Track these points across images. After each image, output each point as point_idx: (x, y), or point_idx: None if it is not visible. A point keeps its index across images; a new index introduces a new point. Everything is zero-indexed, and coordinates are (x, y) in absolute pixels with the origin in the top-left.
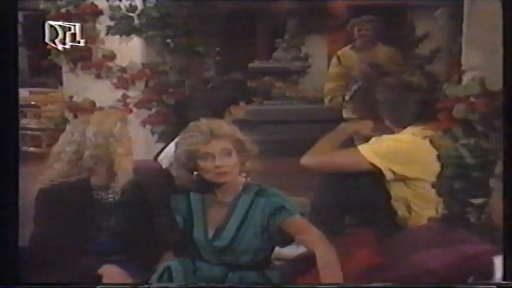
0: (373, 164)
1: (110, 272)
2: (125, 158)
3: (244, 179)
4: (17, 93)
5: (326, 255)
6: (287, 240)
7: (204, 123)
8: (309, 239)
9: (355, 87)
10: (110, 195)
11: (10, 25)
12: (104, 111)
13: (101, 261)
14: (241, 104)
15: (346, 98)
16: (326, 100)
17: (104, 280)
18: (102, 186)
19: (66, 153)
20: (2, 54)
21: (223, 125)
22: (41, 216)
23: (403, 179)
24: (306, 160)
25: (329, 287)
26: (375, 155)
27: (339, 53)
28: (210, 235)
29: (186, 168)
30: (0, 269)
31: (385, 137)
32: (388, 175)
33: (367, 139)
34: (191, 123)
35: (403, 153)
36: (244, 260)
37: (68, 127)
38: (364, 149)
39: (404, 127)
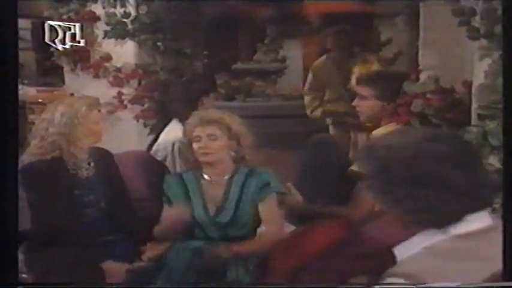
0: None
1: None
2: (84, 138)
3: (233, 163)
4: (17, 89)
5: (271, 236)
6: None
7: (201, 112)
8: (270, 220)
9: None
10: (84, 171)
11: (11, 28)
12: (78, 97)
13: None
14: (212, 95)
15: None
16: (308, 111)
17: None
18: (75, 163)
19: (38, 130)
20: (5, 55)
21: (220, 114)
22: (29, 195)
23: None
24: None
25: (325, 286)
26: None
27: (314, 65)
28: (211, 213)
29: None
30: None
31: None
32: None
33: None
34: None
35: None
36: (245, 232)
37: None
38: None
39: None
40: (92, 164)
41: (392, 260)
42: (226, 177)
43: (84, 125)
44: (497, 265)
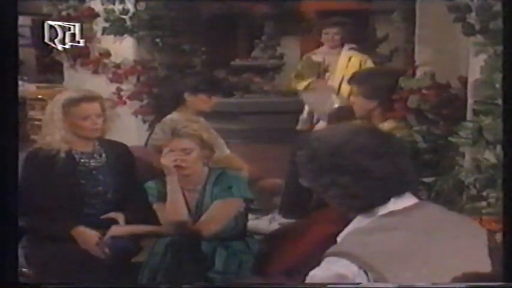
0: None
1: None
2: (58, 131)
3: (207, 169)
4: (17, 86)
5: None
6: None
7: (170, 121)
8: (213, 218)
9: None
10: (92, 161)
11: (11, 26)
12: (64, 92)
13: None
14: (201, 96)
15: None
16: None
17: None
18: (85, 153)
19: (43, 121)
20: (5, 52)
21: (188, 124)
22: (29, 178)
23: None
24: None
25: (328, 287)
26: None
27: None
28: (192, 216)
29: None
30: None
31: None
32: None
33: None
34: (163, 120)
35: None
36: (226, 233)
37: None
38: None
39: None
40: (104, 155)
41: None
42: (200, 186)
43: (61, 118)
44: (427, 238)
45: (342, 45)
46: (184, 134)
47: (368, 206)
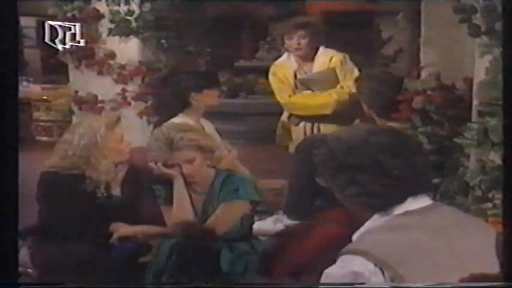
0: None
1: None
2: (103, 160)
3: (214, 171)
4: (17, 88)
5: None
6: None
7: (162, 135)
8: (220, 220)
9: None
10: (103, 192)
11: (12, 27)
12: (97, 116)
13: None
14: (206, 91)
15: None
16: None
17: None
18: (96, 182)
19: (59, 150)
20: (6, 53)
21: (183, 135)
22: (43, 196)
23: None
24: None
25: (328, 287)
26: None
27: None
28: (198, 218)
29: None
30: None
31: None
32: None
33: None
34: (154, 132)
35: None
36: (232, 235)
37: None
38: None
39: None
40: (118, 189)
41: None
42: (206, 188)
43: (104, 145)
44: (442, 239)
45: (315, 50)
46: (182, 146)
47: (385, 205)
